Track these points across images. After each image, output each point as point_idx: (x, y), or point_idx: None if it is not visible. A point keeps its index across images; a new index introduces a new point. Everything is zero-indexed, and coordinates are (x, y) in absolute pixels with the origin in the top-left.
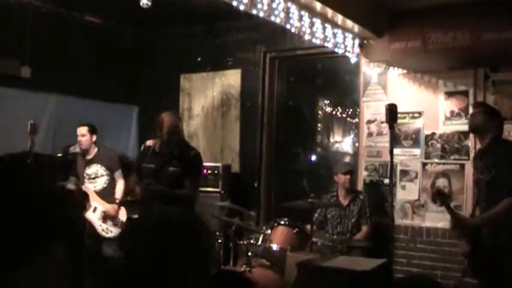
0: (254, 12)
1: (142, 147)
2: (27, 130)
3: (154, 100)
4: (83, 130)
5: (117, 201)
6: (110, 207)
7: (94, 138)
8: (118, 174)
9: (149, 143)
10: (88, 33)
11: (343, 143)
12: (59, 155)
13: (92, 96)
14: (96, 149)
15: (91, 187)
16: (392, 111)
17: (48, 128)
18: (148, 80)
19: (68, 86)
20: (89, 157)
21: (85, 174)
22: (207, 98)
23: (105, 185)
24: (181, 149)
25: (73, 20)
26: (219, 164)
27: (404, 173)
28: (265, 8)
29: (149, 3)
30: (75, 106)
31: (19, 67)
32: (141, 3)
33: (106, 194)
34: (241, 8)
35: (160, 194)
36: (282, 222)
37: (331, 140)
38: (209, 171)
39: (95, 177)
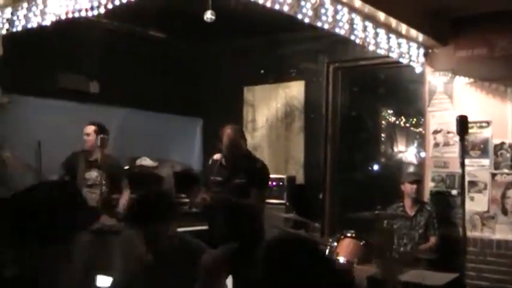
0: (319, 24)
1: (210, 161)
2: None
3: (218, 112)
4: (88, 129)
5: (120, 215)
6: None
7: (99, 139)
8: (124, 184)
9: (216, 156)
10: (152, 48)
11: (406, 152)
12: (126, 167)
13: (157, 109)
14: (100, 153)
15: (89, 195)
16: (463, 123)
17: (115, 140)
18: (212, 92)
19: (134, 100)
20: (91, 159)
21: (84, 178)
22: (271, 110)
23: (104, 195)
24: (246, 161)
25: (138, 36)
26: (283, 176)
27: (472, 184)
28: (330, 20)
29: (213, 18)
30: (141, 119)
31: (88, 82)
32: (205, 18)
33: (104, 205)
34: (306, 20)
35: (227, 205)
36: (349, 235)
37: (395, 149)
38: (274, 183)
39: (93, 185)
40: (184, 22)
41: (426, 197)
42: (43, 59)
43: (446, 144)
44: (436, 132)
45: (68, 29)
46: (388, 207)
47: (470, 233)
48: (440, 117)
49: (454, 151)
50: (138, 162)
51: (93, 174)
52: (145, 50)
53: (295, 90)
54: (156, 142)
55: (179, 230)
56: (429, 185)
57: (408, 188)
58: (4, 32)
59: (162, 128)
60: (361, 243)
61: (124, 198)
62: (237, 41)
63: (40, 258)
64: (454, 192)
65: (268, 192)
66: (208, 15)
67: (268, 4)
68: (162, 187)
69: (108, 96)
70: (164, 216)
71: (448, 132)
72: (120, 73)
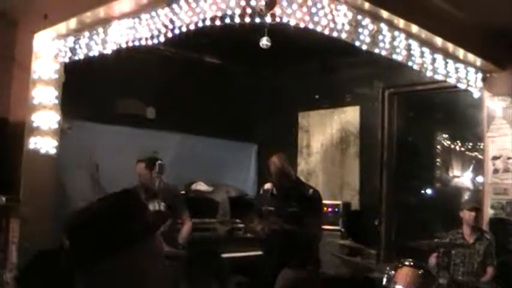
0: (376, 51)
1: (261, 191)
2: (140, 168)
3: (272, 138)
4: (139, 168)
5: (180, 246)
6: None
7: (155, 172)
8: (185, 215)
9: (267, 186)
10: (208, 74)
11: (462, 177)
12: (182, 192)
13: (212, 134)
14: (157, 183)
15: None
16: None
17: (171, 166)
18: (267, 118)
19: (189, 125)
20: (150, 192)
21: None
22: (326, 135)
23: (167, 228)
24: (297, 189)
25: (194, 62)
26: (338, 202)
27: None
28: (387, 46)
29: (269, 44)
30: (196, 144)
31: (144, 108)
32: (260, 44)
33: (166, 236)
34: (364, 47)
35: (282, 234)
36: (407, 263)
37: (451, 174)
38: (329, 209)
39: None
40: (240, 48)
41: (485, 224)
42: (102, 85)
43: (506, 170)
44: (495, 158)
45: (126, 56)
46: (446, 234)
47: None
48: (499, 143)
49: None
50: (194, 187)
51: (155, 205)
52: (201, 75)
53: (350, 116)
54: (211, 167)
55: (234, 255)
56: (488, 213)
57: (467, 215)
58: (67, 60)
59: (217, 153)
60: (420, 272)
61: (185, 230)
62: (292, 66)
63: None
64: None
65: (324, 218)
66: (264, 42)
67: (326, 32)
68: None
69: (164, 121)
70: (216, 277)
71: (509, 158)
72: (175, 99)
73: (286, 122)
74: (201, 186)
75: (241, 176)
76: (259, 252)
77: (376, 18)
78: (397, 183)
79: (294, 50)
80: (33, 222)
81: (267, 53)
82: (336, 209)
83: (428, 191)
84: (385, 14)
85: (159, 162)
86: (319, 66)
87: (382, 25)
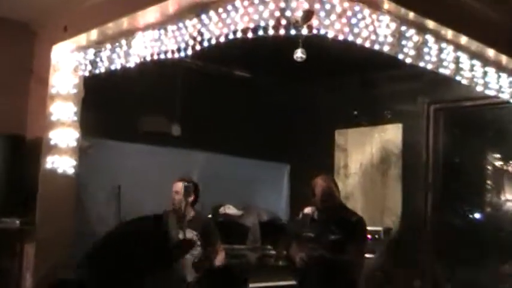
0: (421, 64)
1: (300, 215)
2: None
3: (307, 158)
4: (177, 187)
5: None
6: None
7: (190, 199)
8: (218, 245)
9: (307, 210)
10: (237, 89)
11: None
12: (209, 216)
13: (242, 153)
14: (192, 212)
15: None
16: None
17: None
18: (301, 136)
19: (217, 143)
20: (182, 218)
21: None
22: (365, 155)
23: (198, 257)
24: (341, 214)
25: (222, 76)
26: (379, 228)
27: None
28: (434, 59)
29: (304, 57)
30: (224, 164)
31: (169, 125)
32: (295, 57)
33: (199, 268)
34: (408, 60)
35: (322, 263)
36: None
37: (503, 198)
38: (369, 236)
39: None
40: (272, 61)
41: None
42: (125, 101)
43: None
44: None
45: (150, 70)
46: (503, 263)
47: None
48: None
49: None
50: (222, 210)
51: (188, 235)
52: (230, 90)
53: (391, 134)
54: (241, 189)
55: (265, 284)
56: None
57: None
58: (87, 73)
59: (246, 174)
60: None
61: (219, 260)
62: (328, 80)
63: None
64: None
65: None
66: (299, 54)
67: (368, 44)
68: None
69: (190, 139)
70: None
71: None
72: (203, 115)
73: (321, 140)
74: (230, 209)
75: (272, 198)
76: (293, 282)
77: (421, 29)
78: (443, 207)
79: (331, 63)
80: (50, 248)
81: (302, 66)
82: (376, 236)
83: (478, 216)
84: (431, 24)
85: (185, 184)
86: (359, 80)
87: (428, 36)
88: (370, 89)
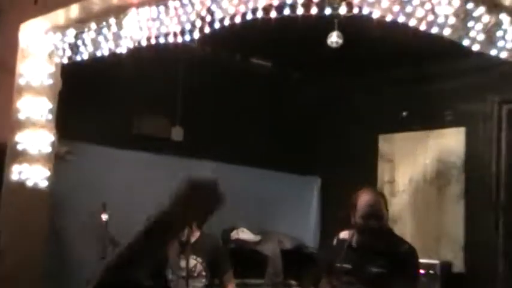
0: (492, 52)
1: (335, 241)
2: None
3: (342, 170)
4: None
5: None
6: None
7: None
8: (228, 276)
9: (344, 235)
10: (255, 83)
11: None
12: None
13: (260, 164)
14: (198, 233)
15: None
16: None
17: None
18: (335, 142)
19: (228, 151)
20: (186, 241)
21: (178, 268)
22: (417, 167)
23: None
24: (388, 242)
25: (237, 67)
26: (435, 261)
27: None
28: (509, 46)
29: (340, 42)
30: (237, 177)
31: (169, 128)
32: (329, 42)
33: None
34: (475, 48)
35: None
36: None
37: None
38: (422, 271)
39: (191, 277)
40: (300, 49)
41: None
42: (114, 96)
43: None
44: None
45: (146, 57)
46: None
47: None
48: None
49: None
50: (235, 234)
51: (191, 263)
52: (246, 85)
53: (451, 140)
54: (258, 209)
55: None
56: None
57: None
58: (65, 60)
59: (265, 189)
60: None
61: None
62: (370, 74)
63: None
64: None
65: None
66: (334, 39)
67: (423, 26)
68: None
69: (195, 145)
70: None
71: None
72: (210, 116)
73: (361, 148)
74: (245, 234)
75: (298, 220)
76: None
77: (493, 7)
78: None
79: (375, 52)
80: (17, 279)
81: (337, 56)
82: (431, 271)
83: None
84: (507, 0)
85: None
86: (410, 74)
87: (503, 16)
88: (425, 85)
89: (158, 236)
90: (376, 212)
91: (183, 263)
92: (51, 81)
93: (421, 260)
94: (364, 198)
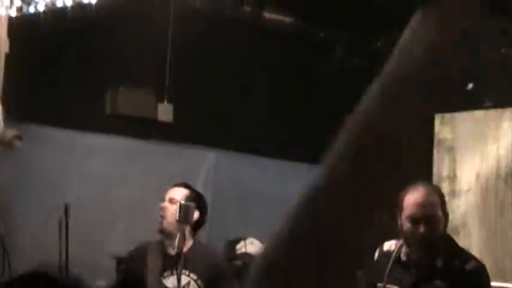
0: None
1: (376, 254)
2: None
3: (384, 160)
4: (175, 194)
5: None
6: None
7: (194, 216)
8: None
9: (389, 246)
10: (269, 44)
11: None
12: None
13: (273, 152)
14: (190, 242)
15: None
16: None
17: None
18: None
19: (231, 135)
20: (173, 252)
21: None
22: (487, 159)
23: None
24: (447, 254)
25: (246, 21)
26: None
27: None
28: None
29: None
30: (244, 170)
31: (154, 104)
32: None
33: None
34: None
35: None
36: None
37: None
38: None
39: None
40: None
41: None
42: (81, 62)
43: None
44: None
45: (125, 10)
46: None
47: None
48: None
49: None
50: (241, 247)
51: (182, 280)
52: (256, 47)
53: None
54: (273, 212)
55: None
56: None
57: None
58: (13, 13)
59: (281, 184)
60: None
61: None
62: None
63: None
64: None
65: None
66: None
67: None
68: None
69: (188, 127)
70: None
71: None
72: (208, 90)
73: (407, 130)
74: (255, 247)
75: None
76: None
77: None
78: None
79: None
80: None
81: (377, 13)
82: None
83: None
84: None
85: (181, 203)
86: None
87: None
88: (504, 44)
89: None
90: (428, 213)
91: (169, 282)
92: None
93: (494, 284)
94: (412, 197)
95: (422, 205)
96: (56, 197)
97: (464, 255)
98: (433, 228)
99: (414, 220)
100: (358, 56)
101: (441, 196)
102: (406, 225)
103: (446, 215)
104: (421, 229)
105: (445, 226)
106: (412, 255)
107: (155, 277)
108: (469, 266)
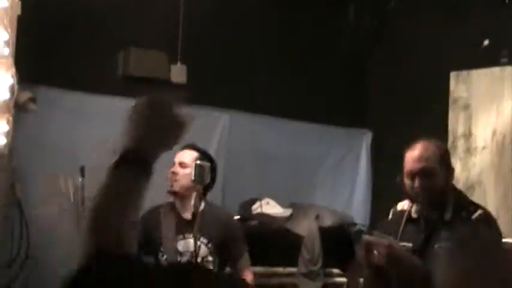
0: None
1: (391, 214)
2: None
3: (400, 120)
4: (184, 156)
5: None
6: None
7: (203, 184)
8: (243, 262)
9: (402, 205)
10: (284, 8)
11: None
12: (236, 217)
13: (289, 113)
14: (202, 205)
15: None
16: None
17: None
18: (390, 84)
19: (247, 96)
20: (186, 216)
21: (176, 251)
22: (503, 116)
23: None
24: (456, 208)
25: None
26: None
27: None
28: None
29: None
30: (260, 131)
31: (167, 66)
32: None
33: None
34: None
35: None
36: None
37: None
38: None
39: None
40: None
41: None
42: (92, 26)
43: None
44: None
45: None
46: None
47: None
48: None
49: None
50: (257, 208)
51: (190, 244)
52: (271, 6)
53: None
54: (288, 173)
55: None
56: None
57: None
58: None
59: (298, 147)
60: None
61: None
62: None
63: None
64: None
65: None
66: None
67: None
68: None
69: (203, 89)
70: None
71: None
72: (223, 49)
73: (425, 90)
74: (271, 207)
75: (342, 189)
76: None
77: None
78: None
79: None
80: None
81: None
82: None
83: None
84: None
85: (196, 163)
86: None
87: None
88: None
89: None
90: (423, 167)
91: (180, 246)
92: (5, 3)
93: (507, 240)
94: (409, 153)
95: (418, 159)
96: (73, 160)
97: (472, 206)
98: (429, 181)
99: (411, 175)
100: (369, 18)
101: (441, 150)
102: (407, 181)
103: (449, 168)
104: (416, 183)
105: (449, 179)
106: (421, 212)
107: (169, 238)
108: (478, 215)
